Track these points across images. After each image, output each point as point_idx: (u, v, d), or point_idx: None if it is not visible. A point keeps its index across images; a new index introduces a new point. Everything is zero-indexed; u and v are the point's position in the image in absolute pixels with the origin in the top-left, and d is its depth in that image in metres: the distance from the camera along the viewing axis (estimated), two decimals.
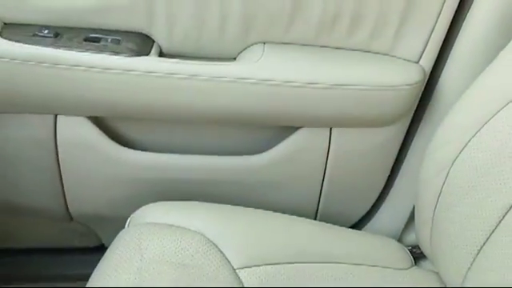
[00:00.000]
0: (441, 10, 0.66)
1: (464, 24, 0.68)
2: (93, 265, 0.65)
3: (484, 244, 0.57)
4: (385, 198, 0.84)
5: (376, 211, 0.86)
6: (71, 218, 0.84)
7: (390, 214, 0.84)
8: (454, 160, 0.60)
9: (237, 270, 0.63)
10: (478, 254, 0.58)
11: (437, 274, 0.71)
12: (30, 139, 0.74)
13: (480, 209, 0.57)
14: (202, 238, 0.65)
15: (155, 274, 0.59)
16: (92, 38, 0.67)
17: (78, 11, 0.66)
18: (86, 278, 0.64)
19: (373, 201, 0.85)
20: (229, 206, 0.72)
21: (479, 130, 0.57)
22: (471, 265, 0.59)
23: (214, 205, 0.72)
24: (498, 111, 0.56)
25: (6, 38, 0.65)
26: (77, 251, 0.93)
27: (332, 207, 0.83)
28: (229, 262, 0.63)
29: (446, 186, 0.62)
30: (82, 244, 0.92)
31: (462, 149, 0.59)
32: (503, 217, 0.54)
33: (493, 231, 0.56)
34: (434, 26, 0.67)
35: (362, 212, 0.86)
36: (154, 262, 0.61)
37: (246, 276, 0.62)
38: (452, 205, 0.62)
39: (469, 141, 0.58)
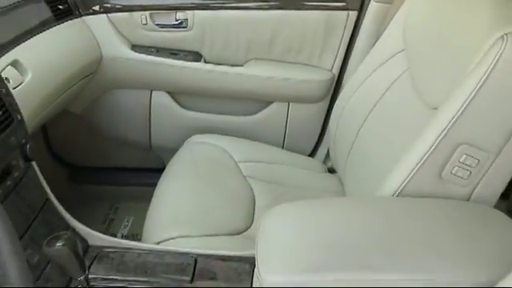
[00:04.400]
0: (339, 45, 1.38)
1: (354, 49, 1.38)
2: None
3: (351, 148, 1.25)
4: (321, 141, 1.55)
5: (316, 149, 1.57)
6: (151, 147, 1.57)
7: (323, 149, 1.55)
8: (340, 113, 1.31)
9: (237, 162, 1.33)
10: (348, 154, 1.26)
11: (338, 177, 1.40)
12: (138, 102, 1.48)
13: (346, 133, 1.26)
14: (221, 149, 1.36)
15: (200, 160, 1.31)
16: (174, 52, 1.41)
17: (168, 40, 1.39)
18: (154, 185, 1.29)
19: (314, 143, 1.56)
20: (236, 138, 1.44)
21: (350, 98, 1.27)
22: (346, 159, 1.28)
23: (230, 136, 1.44)
24: (353, 92, 1.26)
25: (133, 51, 1.39)
26: (150, 170, 1.64)
27: (291, 145, 1.54)
28: (234, 159, 1.34)
29: (337, 128, 1.33)
30: (154, 166, 1.63)
31: (343, 108, 1.30)
32: (356, 136, 1.23)
33: (353, 142, 1.24)
34: (337, 53, 1.39)
35: (308, 150, 1.57)
36: (199, 155, 1.32)
37: (242, 165, 1.33)
38: (338, 135, 1.32)
39: (344, 106, 1.29)
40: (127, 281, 0.85)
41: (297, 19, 1.35)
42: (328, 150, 1.49)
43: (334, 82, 1.44)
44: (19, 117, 0.86)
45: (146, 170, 1.64)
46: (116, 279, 0.85)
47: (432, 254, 0.69)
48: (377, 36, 1.31)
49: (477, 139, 0.81)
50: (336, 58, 1.40)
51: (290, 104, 1.48)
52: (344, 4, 1.34)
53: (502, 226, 0.77)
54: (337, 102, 1.34)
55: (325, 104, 1.48)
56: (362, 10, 1.33)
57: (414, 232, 0.74)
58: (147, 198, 1.25)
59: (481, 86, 0.77)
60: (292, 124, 1.51)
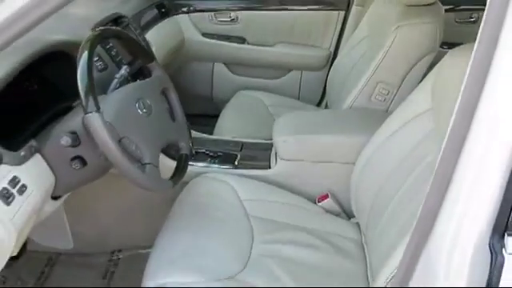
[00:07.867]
0: (334, 33, 2.16)
1: (343, 35, 2.17)
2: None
3: (339, 97, 2.04)
4: (324, 95, 2.34)
5: (321, 101, 2.36)
6: (212, 99, 2.41)
7: (325, 101, 2.33)
8: (333, 78, 2.09)
9: (268, 106, 2.14)
10: (338, 101, 2.05)
11: None
12: (205, 70, 2.32)
13: (336, 89, 2.05)
14: (258, 99, 2.17)
15: (243, 105, 2.12)
16: (228, 38, 2.23)
17: (225, 30, 2.22)
18: (213, 126, 2.13)
19: (319, 97, 2.35)
20: (267, 92, 2.25)
21: (337, 67, 2.06)
22: (337, 105, 2.06)
23: (263, 92, 2.25)
24: (338, 64, 2.04)
25: (203, 37, 2.22)
26: (209, 116, 2.46)
27: (304, 98, 2.33)
28: (265, 103, 2.15)
29: (331, 86, 2.11)
30: (213, 113, 2.45)
31: (334, 75, 2.08)
32: (341, 90, 2.02)
33: (340, 93, 2.03)
34: (332, 38, 2.18)
35: (316, 101, 2.36)
36: (243, 103, 2.14)
37: (270, 108, 2.13)
38: (331, 91, 2.11)
39: (334, 74, 2.07)
40: None
41: (306, 16, 2.16)
42: (327, 101, 2.28)
43: (331, 57, 2.23)
44: None
45: (206, 116, 2.48)
46: None
47: (345, 125, 1.52)
48: (356, 27, 2.09)
49: (387, 79, 1.60)
50: (332, 40, 2.20)
51: (303, 71, 2.29)
52: (336, 7, 2.13)
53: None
54: (330, 71, 2.13)
55: (325, 71, 2.27)
56: (347, 10, 2.13)
57: (345, 119, 1.57)
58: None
59: (386, 53, 1.56)
60: (304, 84, 2.32)
